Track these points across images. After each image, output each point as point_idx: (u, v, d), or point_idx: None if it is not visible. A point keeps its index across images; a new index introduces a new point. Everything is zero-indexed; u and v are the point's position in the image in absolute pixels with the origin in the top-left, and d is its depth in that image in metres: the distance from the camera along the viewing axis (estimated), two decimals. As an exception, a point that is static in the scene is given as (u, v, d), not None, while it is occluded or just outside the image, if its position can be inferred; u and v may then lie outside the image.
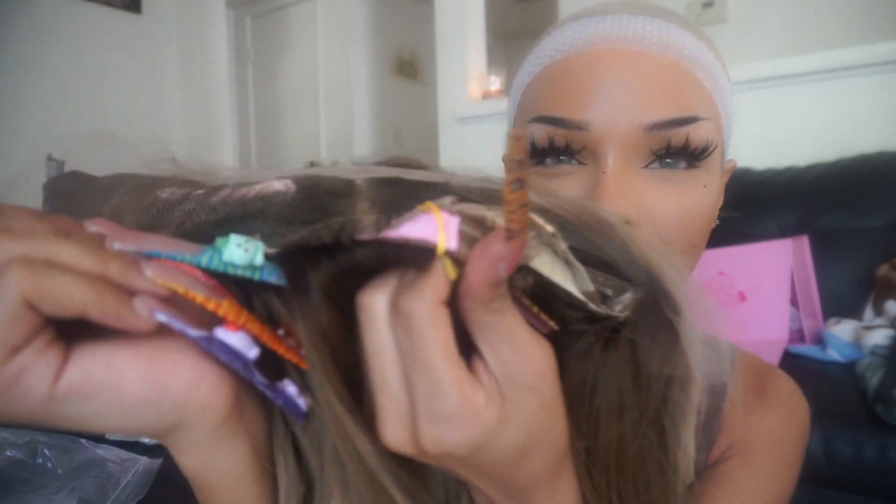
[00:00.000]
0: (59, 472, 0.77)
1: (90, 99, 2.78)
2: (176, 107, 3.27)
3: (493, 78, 2.45)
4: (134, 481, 0.80)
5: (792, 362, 1.25)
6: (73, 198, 0.28)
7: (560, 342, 0.25)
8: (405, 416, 0.23)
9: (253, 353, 0.23)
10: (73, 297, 0.20)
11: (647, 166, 0.36)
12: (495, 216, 0.23)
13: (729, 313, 1.37)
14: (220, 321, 0.23)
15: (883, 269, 1.40)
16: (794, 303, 1.37)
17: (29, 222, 0.21)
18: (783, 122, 1.90)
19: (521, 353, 0.22)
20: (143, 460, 0.85)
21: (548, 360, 0.23)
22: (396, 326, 0.22)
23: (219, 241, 0.23)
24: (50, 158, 2.35)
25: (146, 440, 0.95)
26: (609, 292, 0.25)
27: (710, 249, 1.45)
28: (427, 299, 0.21)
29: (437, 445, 0.22)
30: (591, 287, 0.25)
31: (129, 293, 0.21)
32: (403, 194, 0.25)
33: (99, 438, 0.89)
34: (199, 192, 0.26)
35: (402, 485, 0.24)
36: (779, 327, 1.32)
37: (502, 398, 0.23)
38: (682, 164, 0.36)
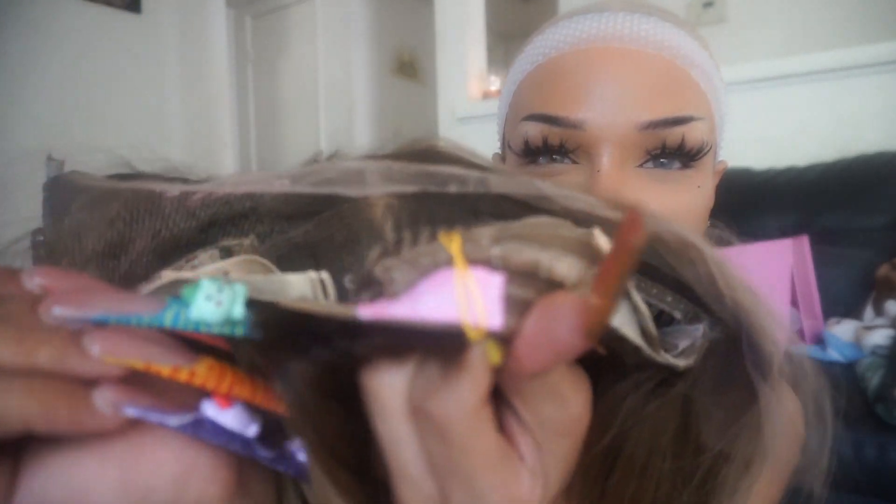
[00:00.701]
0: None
1: (90, 99, 2.78)
2: (176, 107, 3.26)
3: (493, 78, 2.45)
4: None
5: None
6: (63, 203, 0.23)
7: (597, 372, 0.21)
8: (431, 501, 0.19)
9: (252, 430, 0.19)
10: (10, 415, 0.15)
11: (641, 165, 0.35)
12: (553, 259, 0.17)
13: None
14: (202, 391, 0.18)
15: (883, 269, 1.40)
16: (794, 303, 1.37)
17: None
18: (783, 121, 1.89)
19: (562, 404, 0.19)
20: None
21: (585, 402, 0.19)
22: (423, 426, 0.18)
23: (186, 290, 0.18)
24: (50, 158, 2.34)
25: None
26: (678, 315, 0.21)
27: (709, 249, 1.42)
28: (465, 403, 0.17)
29: None
30: (652, 328, 0.20)
31: (81, 386, 0.16)
32: (426, 197, 0.20)
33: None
34: (172, 195, 0.22)
35: None
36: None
37: (539, 451, 0.19)
38: (677, 164, 0.35)
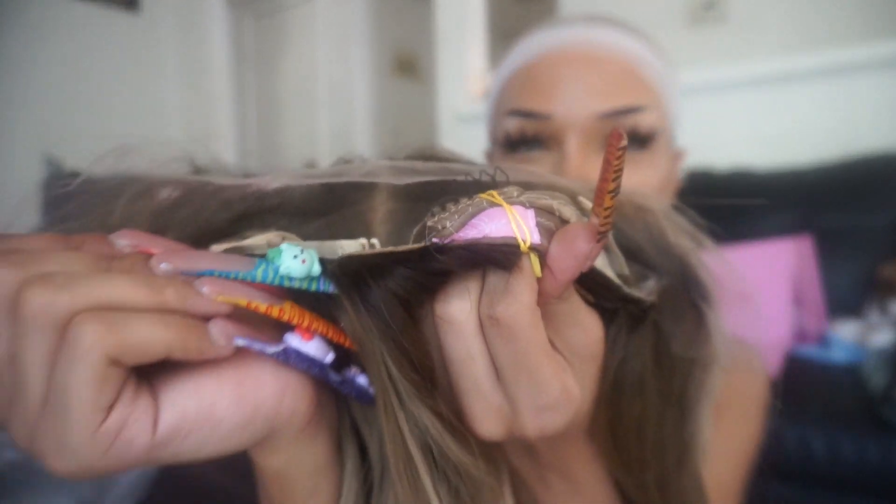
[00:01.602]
0: (57, 474, 0.77)
1: (89, 99, 2.78)
2: (176, 107, 3.26)
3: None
4: (132, 483, 0.80)
5: (796, 363, 1.25)
6: (79, 202, 0.26)
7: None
8: (500, 411, 0.24)
9: (329, 357, 0.23)
10: (155, 343, 0.19)
11: (600, 152, 0.42)
12: (560, 205, 0.24)
13: (729, 313, 1.36)
14: (285, 326, 0.22)
15: (887, 269, 1.39)
16: (797, 303, 1.37)
17: (63, 259, 0.20)
18: (785, 121, 1.89)
19: (584, 330, 0.25)
20: (142, 462, 0.84)
21: (600, 328, 0.25)
22: (491, 334, 0.22)
23: (270, 252, 0.22)
24: (50, 158, 2.34)
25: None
26: (629, 276, 0.26)
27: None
28: (525, 304, 0.22)
29: (542, 431, 0.24)
30: (626, 271, 0.26)
31: (199, 320, 0.21)
32: (430, 186, 0.25)
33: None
34: (211, 188, 0.25)
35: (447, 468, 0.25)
36: (780, 327, 1.31)
37: (573, 372, 0.25)
38: (633, 148, 0.42)
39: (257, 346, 0.21)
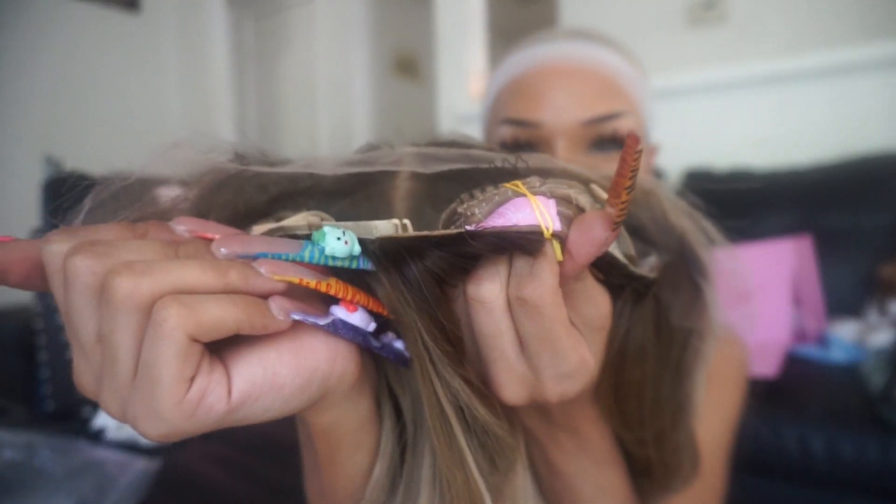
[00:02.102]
0: (58, 473, 0.77)
1: (89, 99, 2.78)
2: (176, 107, 3.26)
3: (493, 78, 2.45)
4: (132, 483, 0.80)
5: (795, 363, 1.25)
6: (117, 194, 0.28)
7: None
8: (523, 379, 0.28)
9: (371, 326, 0.26)
10: (227, 321, 0.22)
11: (587, 153, 0.48)
12: (577, 194, 0.26)
13: (729, 313, 1.37)
14: (331, 300, 0.26)
15: (887, 269, 1.39)
16: (797, 303, 1.37)
17: (138, 248, 0.22)
18: (785, 121, 1.89)
19: (596, 305, 0.28)
20: (141, 462, 0.84)
21: (609, 303, 0.28)
22: (518, 312, 0.26)
23: (315, 235, 0.25)
24: (49, 158, 2.34)
25: (144, 442, 0.94)
26: (633, 252, 0.29)
27: (712, 249, 1.40)
28: (549, 286, 0.25)
29: (562, 396, 0.28)
30: (632, 251, 0.29)
31: (259, 298, 0.23)
32: (440, 181, 0.28)
33: (97, 440, 0.89)
34: (248, 173, 0.28)
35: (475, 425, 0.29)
36: (779, 327, 1.31)
37: (588, 343, 0.28)
38: (614, 150, 0.47)
39: (311, 319, 0.24)
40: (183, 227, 0.25)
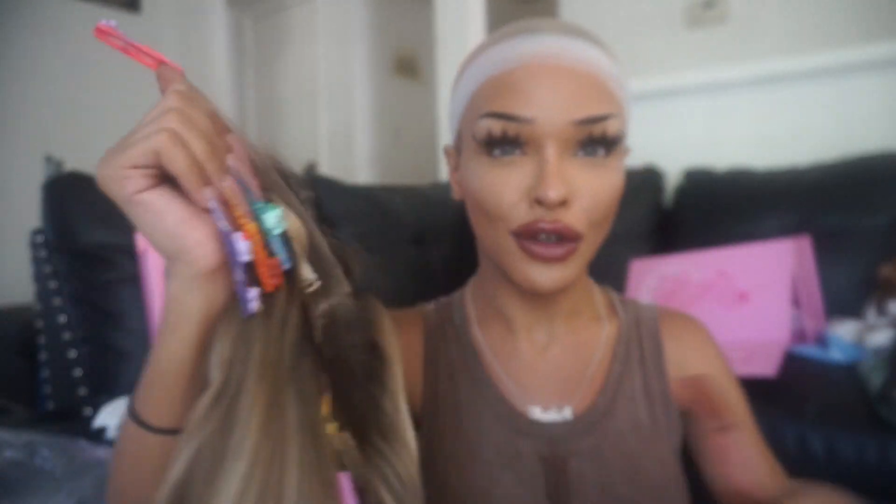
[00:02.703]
0: (58, 473, 0.77)
1: (90, 99, 2.78)
2: (176, 107, 3.26)
3: (493, 78, 2.44)
4: (133, 482, 0.80)
5: (794, 362, 1.25)
6: None
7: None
8: None
9: (245, 258, 0.33)
10: (176, 164, 0.32)
11: (575, 155, 0.47)
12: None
13: (729, 313, 1.37)
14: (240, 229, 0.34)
15: (886, 269, 1.39)
16: (796, 303, 1.37)
17: (199, 118, 0.34)
18: (784, 121, 1.89)
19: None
20: (142, 461, 0.84)
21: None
22: None
23: (272, 206, 0.36)
24: (49, 158, 2.34)
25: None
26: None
27: (710, 249, 1.45)
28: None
29: None
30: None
31: (207, 183, 0.33)
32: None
33: (98, 440, 0.89)
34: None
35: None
36: (779, 327, 1.31)
37: None
38: (602, 151, 0.47)
39: (217, 215, 0.33)
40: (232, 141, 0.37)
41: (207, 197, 0.33)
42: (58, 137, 2.60)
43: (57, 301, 1.00)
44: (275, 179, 0.39)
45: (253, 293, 0.34)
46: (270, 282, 0.34)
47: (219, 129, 0.35)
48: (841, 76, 1.79)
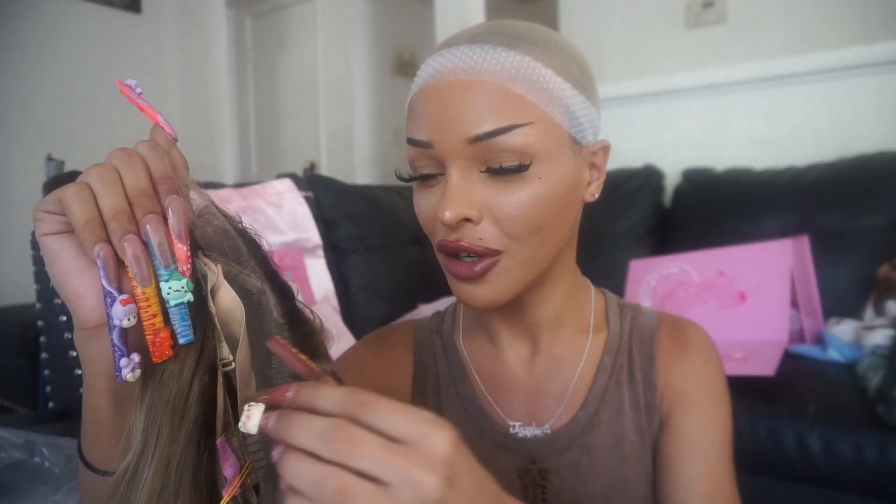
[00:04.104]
0: (57, 471, 0.77)
1: (90, 99, 2.78)
2: (176, 107, 3.27)
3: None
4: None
5: (792, 362, 1.25)
6: None
7: None
8: None
9: (119, 322, 0.32)
10: (72, 216, 0.32)
11: (485, 171, 0.45)
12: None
13: (729, 313, 1.37)
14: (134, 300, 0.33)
15: (883, 269, 1.39)
16: (794, 303, 1.37)
17: (133, 176, 0.34)
18: (783, 121, 1.90)
19: None
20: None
21: None
22: None
23: (171, 273, 0.34)
24: (50, 158, 2.34)
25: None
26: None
27: (710, 249, 1.45)
28: None
29: None
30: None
31: (103, 240, 0.33)
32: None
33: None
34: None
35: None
36: (779, 327, 1.32)
37: None
38: (514, 164, 0.44)
39: (101, 272, 0.32)
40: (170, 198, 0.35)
41: (95, 252, 0.32)
42: (58, 137, 2.60)
43: (58, 301, 1.00)
44: (232, 246, 0.39)
45: (126, 362, 0.33)
46: (157, 351, 0.33)
47: (165, 190, 0.34)
48: (840, 76, 1.80)
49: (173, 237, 0.33)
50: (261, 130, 3.65)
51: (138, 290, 0.32)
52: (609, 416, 0.53)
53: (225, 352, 0.36)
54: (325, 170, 3.25)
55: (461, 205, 0.44)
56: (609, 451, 0.52)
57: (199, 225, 0.37)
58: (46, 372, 1.07)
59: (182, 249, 0.33)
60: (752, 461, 1.08)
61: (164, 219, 0.33)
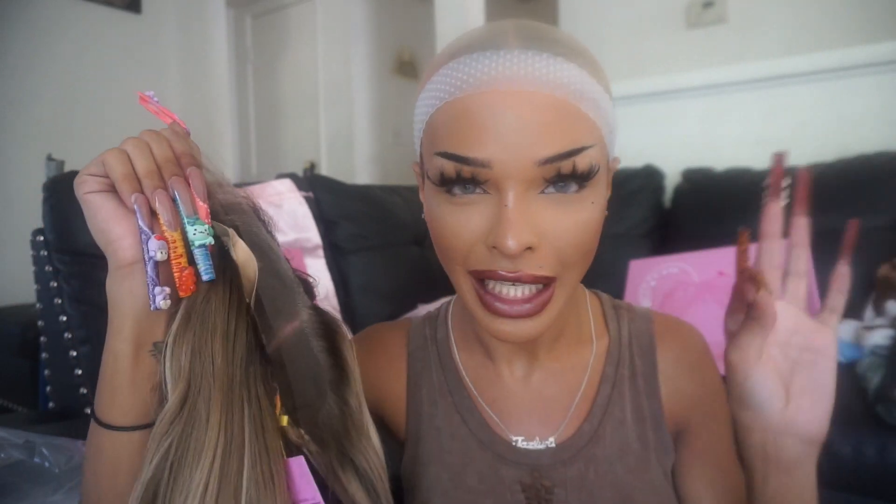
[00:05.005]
0: (57, 471, 0.77)
1: (90, 99, 2.78)
2: (176, 107, 3.26)
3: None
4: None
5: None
6: None
7: None
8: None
9: (154, 255, 0.38)
10: (113, 172, 0.39)
11: (542, 192, 0.41)
12: None
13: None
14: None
15: (883, 270, 1.39)
16: (794, 303, 1.37)
17: (160, 148, 0.41)
18: (783, 122, 1.90)
19: None
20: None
21: None
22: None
23: (200, 222, 0.40)
24: (50, 158, 2.34)
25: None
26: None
27: (710, 249, 1.45)
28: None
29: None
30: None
31: (139, 191, 0.39)
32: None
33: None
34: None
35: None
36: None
37: None
38: (573, 186, 0.41)
39: (138, 215, 0.38)
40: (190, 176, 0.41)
41: (132, 200, 0.38)
42: (58, 137, 2.60)
43: (57, 301, 1.00)
44: (243, 210, 0.44)
45: (159, 290, 0.39)
46: (183, 286, 0.39)
47: (186, 163, 0.41)
48: (840, 76, 1.80)
49: (195, 195, 0.40)
50: (261, 130, 3.65)
51: (167, 234, 0.39)
52: (612, 427, 0.52)
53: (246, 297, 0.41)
54: (325, 170, 3.25)
55: (525, 232, 0.39)
56: (614, 462, 0.51)
57: (214, 196, 0.42)
58: (46, 372, 1.07)
59: (203, 206, 0.40)
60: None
61: (187, 185, 0.40)
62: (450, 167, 0.41)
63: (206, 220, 0.40)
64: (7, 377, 1.58)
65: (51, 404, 1.09)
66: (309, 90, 3.39)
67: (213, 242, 0.40)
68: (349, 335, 0.48)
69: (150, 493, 0.36)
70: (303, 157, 3.39)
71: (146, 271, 0.39)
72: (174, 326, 0.39)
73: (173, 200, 0.39)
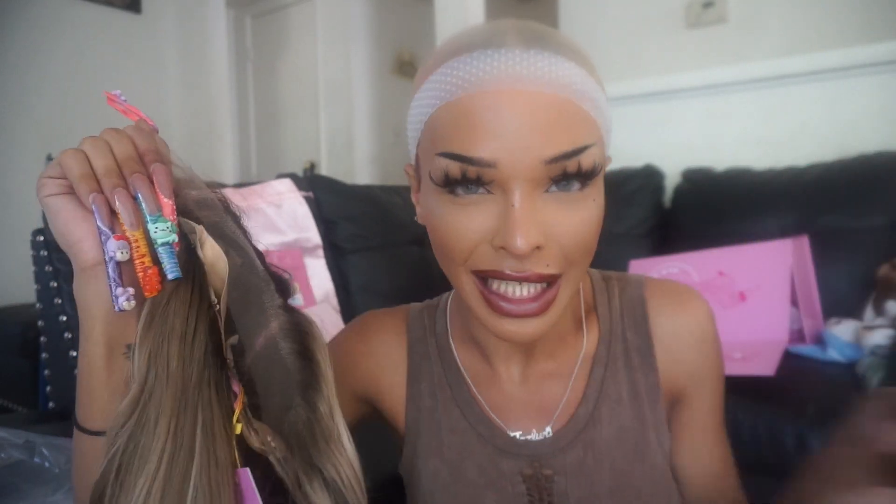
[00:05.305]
0: (57, 471, 0.77)
1: (90, 99, 2.78)
2: (176, 107, 3.26)
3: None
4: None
5: (792, 362, 1.25)
6: None
7: None
8: None
9: (118, 255, 0.37)
10: (69, 173, 0.39)
11: (547, 191, 0.41)
12: None
13: (729, 313, 1.37)
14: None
15: (883, 269, 1.39)
16: (794, 303, 1.37)
17: (120, 147, 0.40)
18: (783, 122, 1.89)
19: None
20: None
21: None
22: None
23: (162, 220, 0.39)
24: (50, 158, 2.34)
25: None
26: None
27: (710, 249, 1.45)
28: None
29: None
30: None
31: (97, 191, 0.38)
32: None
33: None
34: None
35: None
36: (779, 327, 1.32)
37: None
38: (576, 185, 0.41)
39: (97, 216, 0.38)
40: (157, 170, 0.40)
41: (90, 200, 0.37)
42: (58, 137, 2.60)
43: (58, 301, 1.00)
44: (214, 206, 0.42)
45: (122, 291, 0.38)
46: (148, 286, 0.38)
47: (150, 160, 0.40)
48: (840, 76, 1.80)
49: (159, 192, 0.38)
50: (261, 130, 3.65)
51: (129, 233, 0.38)
52: (609, 408, 0.52)
53: (212, 296, 0.40)
54: (325, 170, 3.25)
55: (533, 232, 0.39)
56: (612, 444, 0.51)
57: (182, 193, 0.41)
58: (46, 372, 1.07)
59: (168, 203, 0.39)
60: (751, 461, 1.08)
61: (151, 182, 0.39)
62: (454, 168, 0.40)
63: (172, 218, 0.39)
64: (7, 377, 1.58)
65: (51, 404, 1.09)
66: (309, 90, 3.39)
67: (177, 240, 0.38)
68: (323, 338, 0.45)
69: (97, 496, 0.36)
70: (303, 157, 3.39)
71: (107, 272, 0.38)
72: (139, 328, 0.37)
73: (135, 199, 0.38)
